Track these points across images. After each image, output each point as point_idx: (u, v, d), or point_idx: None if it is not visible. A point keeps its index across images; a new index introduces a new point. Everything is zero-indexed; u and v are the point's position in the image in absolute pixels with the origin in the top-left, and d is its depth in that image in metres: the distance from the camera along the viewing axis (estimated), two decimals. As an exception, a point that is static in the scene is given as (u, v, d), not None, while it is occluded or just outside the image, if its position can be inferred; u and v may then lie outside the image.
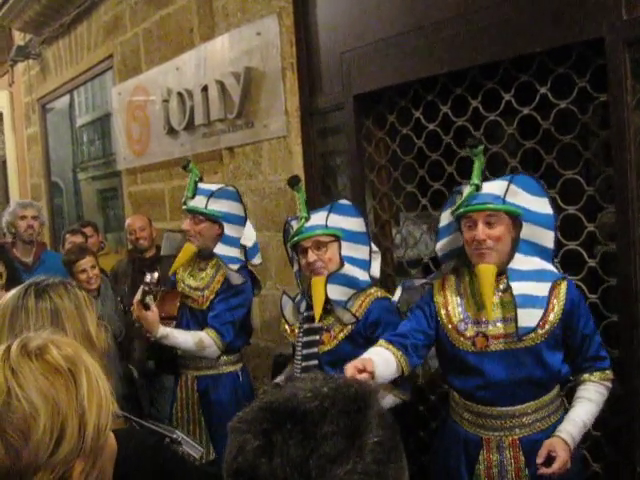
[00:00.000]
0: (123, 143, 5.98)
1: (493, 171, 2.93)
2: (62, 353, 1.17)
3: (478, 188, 2.40)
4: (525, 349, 2.38)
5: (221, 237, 3.40)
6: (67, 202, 8.43)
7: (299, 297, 3.05)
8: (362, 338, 2.82)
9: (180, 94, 4.77)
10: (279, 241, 3.91)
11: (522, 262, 2.42)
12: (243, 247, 3.44)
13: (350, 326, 2.85)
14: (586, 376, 2.42)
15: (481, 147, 2.44)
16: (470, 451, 2.50)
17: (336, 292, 2.85)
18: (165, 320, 3.43)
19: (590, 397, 2.39)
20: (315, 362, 2.91)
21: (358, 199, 3.54)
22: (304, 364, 2.93)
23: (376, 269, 2.98)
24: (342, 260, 2.88)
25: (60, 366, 1.15)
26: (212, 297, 3.43)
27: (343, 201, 3.01)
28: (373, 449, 0.89)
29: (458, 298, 2.54)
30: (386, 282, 3.59)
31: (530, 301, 2.35)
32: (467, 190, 2.43)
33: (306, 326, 2.96)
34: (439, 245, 2.66)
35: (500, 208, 2.38)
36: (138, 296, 3.27)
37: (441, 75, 3.06)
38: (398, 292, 2.79)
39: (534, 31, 2.65)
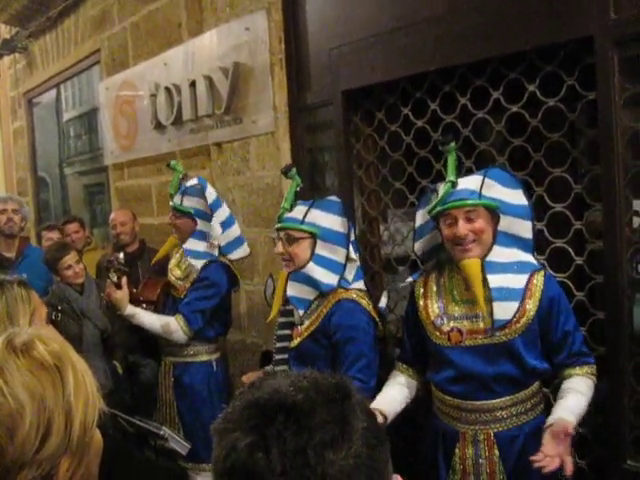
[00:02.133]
0: (110, 138, 5.94)
1: (482, 169, 2.94)
2: (48, 349, 1.17)
3: (454, 185, 2.42)
4: (499, 344, 2.39)
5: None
6: (54, 197, 8.38)
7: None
8: (325, 338, 2.78)
9: (168, 89, 4.74)
10: (267, 237, 3.92)
11: (500, 254, 2.44)
12: (212, 245, 3.60)
13: (315, 325, 2.82)
14: (572, 370, 2.43)
15: (453, 144, 2.47)
16: (447, 444, 2.53)
17: (295, 289, 2.85)
18: (143, 304, 3.71)
19: (579, 389, 2.39)
20: (285, 356, 2.94)
21: (346, 195, 3.53)
22: (276, 357, 2.98)
23: (349, 275, 2.86)
24: (312, 258, 2.82)
25: (46, 362, 1.14)
26: (188, 286, 3.63)
27: (332, 198, 2.95)
28: (362, 434, 0.92)
29: (437, 292, 2.57)
30: (374, 279, 3.59)
31: (506, 294, 2.37)
32: (443, 188, 2.45)
33: (281, 319, 2.98)
34: (417, 245, 2.69)
35: (478, 203, 2.40)
36: (112, 278, 3.59)
37: (430, 72, 3.06)
38: (384, 299, 2.84)
39: (523, 29, 2.65)
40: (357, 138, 3.56)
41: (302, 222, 2.83)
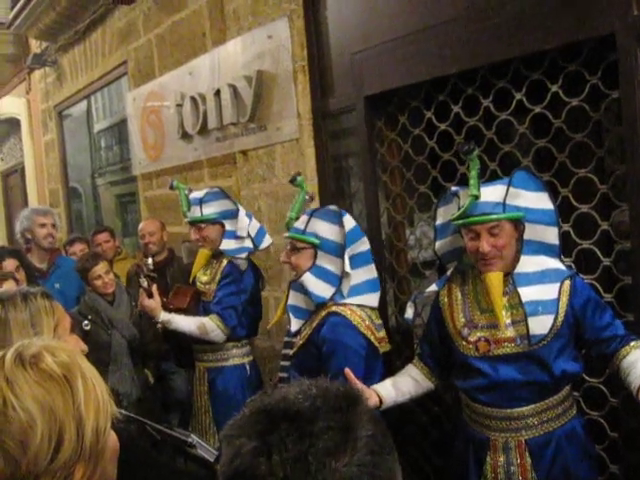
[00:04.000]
0: (138, 148, 6.01)
1: (506, 171, 2.91)
2: (57, 360, 1.18)
3: (477, 198, 2.36)
4: (529, 353, 2.35)
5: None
6: (87, 207, 8.50)
7: None
8: (316, 350, 2.79)
9: (193, 98, 4.77)
10: (293, 244, 3.93)
11: (528, 264, 2.40)
12: (249, 236, 3.67)
13: (307, 336, 2.84)
14: (627, 348, 2.33)
15: (476, 153, 2.40)
16: (478, 451, 2.49)
17: (295, 299, 2.91)
18: (174, 312, 3.72)
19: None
20: (287, 363, 2.99)
21: (371, 201, 3.54)
22: (282, 363, 3.06)
23: (345, 289, 2.84)
24: (311, 269, 2.85)
25: (55, 373, 1.16)
26: (215, 288, 3.68)
27: (331, 207, 2.95)
28: (367, 442, 0.92)
29: (462, 301, 2.53)
30: (401, 284, 3.58)
31: (540, 307, 2.33)
32: (466, 199, 2.39)
33: (288, 326, 3.01)
34: (438, 245, 2.66)
35: (502, 217, 2.35)
36: (142, 283, 3.65)
37: (452, 75, 3.04)
38: (410, 310, 2.79)
39: (544, 29, 2.62)
40: (381, 143, 3.55)
41: (304, 232, 2.85)
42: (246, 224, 3.66)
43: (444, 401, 3.31)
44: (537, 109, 2.76)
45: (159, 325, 3.68)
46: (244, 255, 3.66)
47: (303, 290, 2.85)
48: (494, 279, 2.37)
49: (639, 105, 2.38)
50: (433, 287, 2.67)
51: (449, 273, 2.64)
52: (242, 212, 3.68)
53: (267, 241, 3.74)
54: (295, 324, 2.90)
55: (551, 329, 2.32)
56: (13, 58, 9.01)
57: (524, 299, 2.35)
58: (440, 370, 2.68)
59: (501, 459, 2.43)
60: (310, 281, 2.81)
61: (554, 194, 2.71)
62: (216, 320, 3.58)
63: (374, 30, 3.44)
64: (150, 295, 3.62)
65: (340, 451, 0.89)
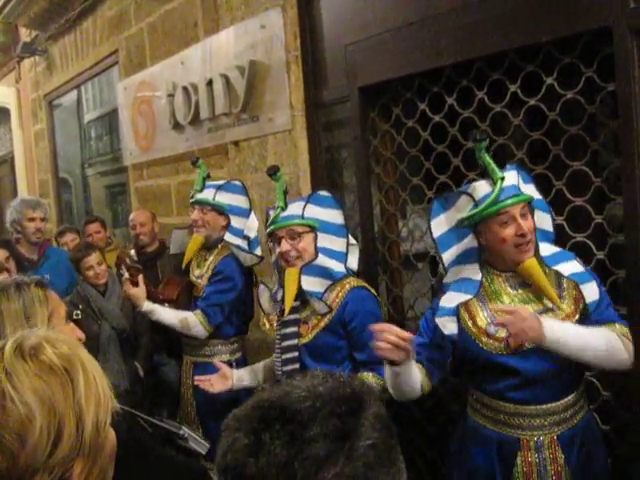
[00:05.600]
0: (129, 138, 5.97)
1: (500, 163, 2.90)
2: (57, 352, 1.16)
3: (504, 179, 2.32)
4: None
5: (227, 228, 3.62)
6: (76, 198, 8.46)
7: (276, 287, 3.06)
8: (342, 328, 2.83)
9: (185, 88, 4.74)
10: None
11: (544, 249, 2.40)
12: (247, 238, 3.61)
13: (328, 317, 2.84)
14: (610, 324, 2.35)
15: (486, 142, 2.37)
16: (505, 453, 2.40)
17: (311, 283, 2.86)
18: (164, 303, 3.74)
19: (595, 330, 2.30)
20: (295, 354, 2.92)
21: (364, 192, 3.52)
22: (284, 357, 2.94)
23: (354, 261, 3.00)
24: (317, 251, 2.89)
25: (55, 365, 1.14)
26: (205, 284, 3.66)
27: (322, 192, 3.02)
28: (365, 453, 0.87)
29: (481, 303, 2.44)
30: (393, 276, 3.57)
31: (584, 277, 2.34)
32: (484, 189, 2.36)
33: (284, 318, 2.96)
34: (446, 256, 2.50)
35: (528, 198, 2.36)
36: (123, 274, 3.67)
37: (446, 66, 3.03)
38: (450, 324, 2.51)
39: (540, 21, 2.60)
40: (374, 134, 3.53)
41: (303, 217, 2.90)
42: (256, 226, 3.64)
43: (438, 395, 3.30)
44: (532, 101, 2.75)
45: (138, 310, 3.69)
46: (249, 256, 3.62)
47: (319, 272, 2.85)
48: (534, 264, 2.32)
49: (634, 98, 2.37)
50: (466, 296, 2.44)
51: (480, 277, 2.44)
52: (253, 214, 3.67)
53: (258, 251, 3.66)
54: (320, 306, 2.86)
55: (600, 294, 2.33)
56: (2, 47, 8.93)
57: (566, 273, 2.33)
58: (432, 372, 2.54)
59: (533, 458, 2.35)
60: (328, 261, 2.88)
61: (548, 187, 2.71)
62: (200, 316, 3.57)
63: (368, 21, 3.41)
64: (135, 284, 3.62)
65: (331, 460, 0.85)
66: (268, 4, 3.92)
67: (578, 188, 2.67)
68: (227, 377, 3.22)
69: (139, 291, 3.62)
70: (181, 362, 3.95)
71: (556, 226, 2.53)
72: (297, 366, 2.90)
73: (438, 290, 2.63)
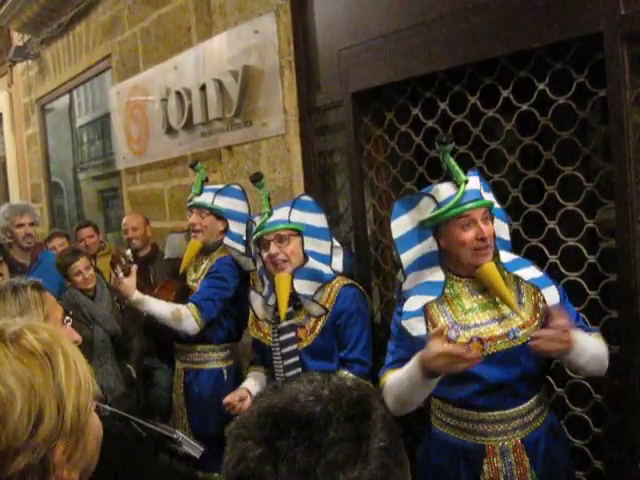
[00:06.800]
0: (122, 143, 5.97)
1: (492, 168, 2.92)
2: (38, 337, 1.18)
3: (467, 182, 2.35)
4: (520, 345, 2.33)
5: (225, 233, 3.62)
6: (68, 202, 8.46)
7: (266, 291, 3.06)
8: (333, 326, 2.90)
9: (178, 93, 4.75)
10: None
11: (503, 256, 2.42)
12: (246, 243, 3.53)
13: (324, 318, 2.90)
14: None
15: (451, 146, 2.39)
16: (471, 461, 2.40)
17: (303, 286, 2.90)
18: None
19: (590, 338, 2.33)
20: (296, 359, 2.93)
21: (357, 197, 3.53)
22: (285, 363, 2.95)
23: (338, 264, 3.07)
24: (305, 254, 2.95)
25: (35, 349, 1.16)
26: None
27: (305, 197, 3.12)
28: (379, 454, 0.87)
29: (442, 307, 2.43)
30: (386, 280, 3.58)
31: (543, 282, 2.36)
32: (447, 192, 2.38)
33: (280, 326, 2.97)
34: (405, 256, 2.50)
35: (490, 203, 2.39)
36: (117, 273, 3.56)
37: (439, 72, 3.05)
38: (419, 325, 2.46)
39: (532, 27, 2.63)
40: (367, 139, 3.54)
41: (289, 222, 2.96)
42: None
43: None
44: (524, 107, 2.77)
45: (126, 304, 3.65)
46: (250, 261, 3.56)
47: (310, 274, 2.91)
48: (493, 268, 2.34)
49: (625, 104, 2.39)
50: (431, 297, 2.41)
51: (444, 278, 2.43)
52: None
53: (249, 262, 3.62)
54: (315, 309, 2.91)
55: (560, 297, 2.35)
56: (-5, 51, 8.93)
57: (526, 278, 2.34)
58: None
59: (500, 464, 2.35)
60: (316, 263, 2.94)
61: (540, 191, 2.74)
62: (193, 309, 3.49)
63: (361, 26, 3.43)
64: (127, 274, 3.54)
65: (350, 464, 0.85)
66: (261, 9, 3.93)
67: (570, 193, 2.69)
68: (244, 397, 3.07)
69: (129, 280, 3.52)
70: (174, 366, 3.92)
71: (548, 230, 2.55)
72: (299, 370, 2.92)
73: (399, 298, 2.59)
